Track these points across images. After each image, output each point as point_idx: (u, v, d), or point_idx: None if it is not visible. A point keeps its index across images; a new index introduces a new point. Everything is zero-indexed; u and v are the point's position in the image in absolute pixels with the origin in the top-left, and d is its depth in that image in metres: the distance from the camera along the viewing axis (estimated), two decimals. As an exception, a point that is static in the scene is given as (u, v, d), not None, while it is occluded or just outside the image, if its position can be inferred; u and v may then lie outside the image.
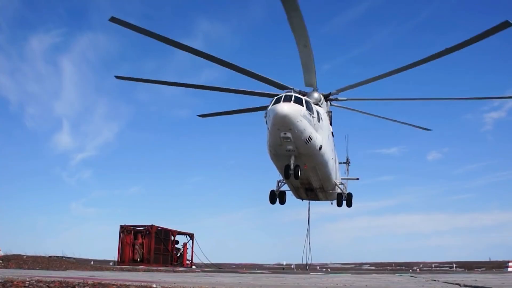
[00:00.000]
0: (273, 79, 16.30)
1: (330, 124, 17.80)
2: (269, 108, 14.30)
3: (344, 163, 22.95)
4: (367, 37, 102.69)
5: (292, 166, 14.57)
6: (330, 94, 17.93)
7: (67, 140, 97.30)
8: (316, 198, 20.00)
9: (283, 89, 16.13)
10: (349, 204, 19.55)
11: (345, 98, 18.55)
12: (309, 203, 21.80)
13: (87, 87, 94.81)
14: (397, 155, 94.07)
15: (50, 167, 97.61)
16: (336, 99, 18.42)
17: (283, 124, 13.75)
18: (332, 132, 18.05)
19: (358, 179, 21.94)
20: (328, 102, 18.05)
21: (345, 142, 22.58)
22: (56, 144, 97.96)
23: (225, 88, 18.17)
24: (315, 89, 16.88)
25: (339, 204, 19.33)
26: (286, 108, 13.66)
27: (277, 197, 18.22)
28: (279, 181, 18.31)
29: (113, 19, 14.06)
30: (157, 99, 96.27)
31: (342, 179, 20.70)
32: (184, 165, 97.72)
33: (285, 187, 18.75)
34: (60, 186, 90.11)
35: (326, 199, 20.25)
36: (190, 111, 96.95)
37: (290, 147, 14.29)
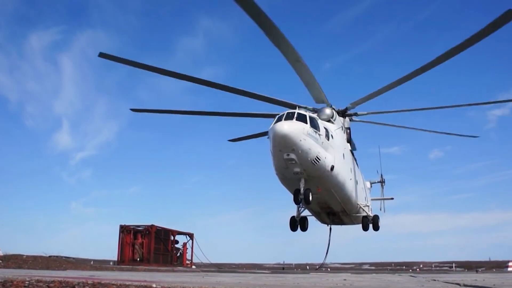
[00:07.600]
0: (279, 99, 14.80)
1: (349, 141, 16.84)
2: (269, 128, 13.20)
3: (378, 182, 21.74)
4: (369, 36, 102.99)
5: (302, 191, 13.31)
6: (346, 109, 16.92)
7: (67, 140, 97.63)
8: (341, 222, 18.66)
9: (292, 108, 14.39)
10: (376, 228, 17.89)
11: (365, 113, 17.54)
12: (330, 229, 20.05)
13: (87, 85, 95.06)
14: (398, 154, 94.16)
15: (50, 167, 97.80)
16: (356, 114, 17.41)
17: (284, 144, 12.62)
18: (351, 150, 17.06)
19: (392, 198, 20.39)
20: (347, 118, 17.10)
21: (372, 160, 21.50)
22: (56, 143, 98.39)
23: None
24: (329, 105, 15.65)
25: (365, 228, 17.74)
26: (286, 127, 12.53)
27: (298, 223, 16.90)
28: (299, 206, 16.84)
29: (101, 55, 14.14)
30: (157, 98, 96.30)
31: (373, 199, 19.11)
32: (184, 165, 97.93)
33: (306, 212, 17.43)
34: (59, 186, 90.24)
35: (352, 223, 18.76)
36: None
37: (297, 169, 13.09)
